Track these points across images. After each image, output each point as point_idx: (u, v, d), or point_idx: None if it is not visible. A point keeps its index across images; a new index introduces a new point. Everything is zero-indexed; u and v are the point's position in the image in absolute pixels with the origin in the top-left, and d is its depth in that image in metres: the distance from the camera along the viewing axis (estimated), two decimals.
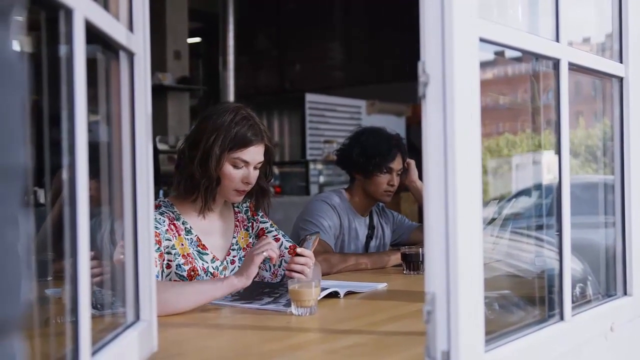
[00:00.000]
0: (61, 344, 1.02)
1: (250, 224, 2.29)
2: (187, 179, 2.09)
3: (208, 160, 2.04)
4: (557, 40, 1.44)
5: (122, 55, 1.28)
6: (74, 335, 0.96)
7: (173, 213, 2.11)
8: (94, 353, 1.03)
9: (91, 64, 1.03)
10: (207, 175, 2.06)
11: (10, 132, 0.51)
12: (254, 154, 2.09)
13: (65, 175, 0.97)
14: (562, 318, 1.44)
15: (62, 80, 0.97)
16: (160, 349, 1.38)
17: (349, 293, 2.09)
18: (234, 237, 2.23)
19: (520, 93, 1.97)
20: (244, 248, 2.24)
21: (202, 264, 2.10)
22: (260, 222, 2.30)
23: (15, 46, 0.55)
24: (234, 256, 2.21)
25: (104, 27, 1.10)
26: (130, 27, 1.29)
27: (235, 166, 2.08)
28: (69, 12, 0.95)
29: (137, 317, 1.31)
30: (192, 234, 2.12)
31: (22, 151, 0.54)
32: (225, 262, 2.17)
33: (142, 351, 1.28)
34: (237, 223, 2.26)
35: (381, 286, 2.26)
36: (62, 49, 0.97)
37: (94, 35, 1.06)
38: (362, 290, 2.16)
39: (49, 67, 0.99)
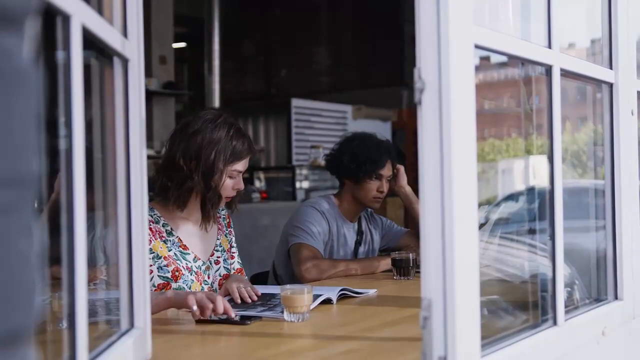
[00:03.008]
0: (56, 351, 1.01)
1: (227, 231, 2.39)
2: (185, 193, 2.14)
3: (212, 175, 2.13)
4: (549, 46, 1.45)
5: (116, 61, 1.27)
6: (71, 343, 0.95)
7: (152, 216, 2.16)
8: None
9: (85, 70, 1.02)
10: (213, 190, 2.14)
11: (25, 140, 0.51)
12: (246, 163, 2.23)
13: (61, 181, 0.96)
14: (555, 323, 1.44)
15: (58, 85, 0.96)
16: (154, 357, 1.37)
17: (342, 296, 2.09)
18: (218, 239, 2.32)
19: (506, 98, 1.99)
20: (226, 250, 2.33)
21: (186, 264, 2.16)
22: (232, 235, 2.42)
23: (29, 54, 0.55)
24: (217, 257, 2.28)
25: (100, 33, 1.10)
26: (125, 33, 1.29)
27: (231, 177, 2.19)
28: (66, 19, 0.94)
29: (132, 325, 1.30)
30: (173, 235, 2.18)
31: (36, 159, 0.53)
32: (208, 262, 2.24)
33: (136, 359, 1.27)
34: (220, 226, 2.35)
35: (372, 292, 2.26)
36: (59, 55, 0.96)
37: (89, 41, 1.05)
38: (355, 293, 2.16)
39: (44, 72, 0.98)
